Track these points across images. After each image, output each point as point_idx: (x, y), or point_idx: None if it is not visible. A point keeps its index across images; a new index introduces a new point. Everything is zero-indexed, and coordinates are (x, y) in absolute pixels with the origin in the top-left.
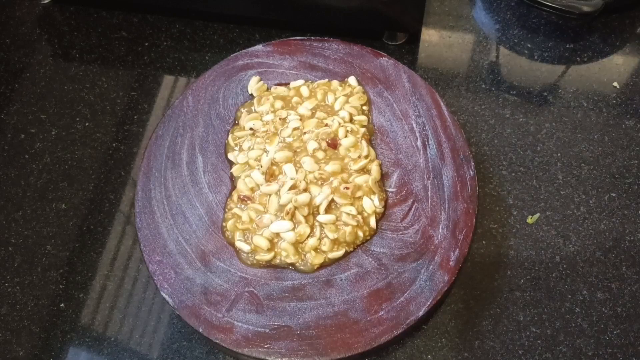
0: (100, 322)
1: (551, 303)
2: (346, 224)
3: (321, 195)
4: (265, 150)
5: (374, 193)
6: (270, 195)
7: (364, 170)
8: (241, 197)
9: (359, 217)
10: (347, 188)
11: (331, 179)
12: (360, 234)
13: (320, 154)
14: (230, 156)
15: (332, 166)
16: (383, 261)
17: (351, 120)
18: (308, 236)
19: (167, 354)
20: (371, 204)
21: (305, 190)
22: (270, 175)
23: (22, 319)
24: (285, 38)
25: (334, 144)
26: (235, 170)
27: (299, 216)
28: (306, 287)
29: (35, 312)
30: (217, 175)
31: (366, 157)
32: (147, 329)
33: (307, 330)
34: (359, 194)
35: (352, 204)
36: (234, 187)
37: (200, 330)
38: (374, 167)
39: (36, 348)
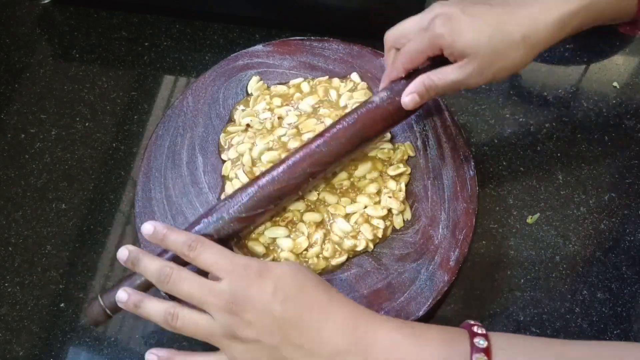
0: None
1: (551, 303)
2: (362, 236)
3: (354, 207)
4: (254, 144)
5: (403, 204)
6: None
7: (401, 175)
8: None
9: (380, 230)
10: (391, 197)
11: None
12: (371, 245)
13: None
14: (223, 156)
15: (363, 169)
16: (383, 261)
17: None
18: (308, 247)
19: None
20: (401, 219)
21: (315, 207)
22: (253, 175)
23: (22, 319)
24: (285, 38)
25: None
26: (224, 169)
27: (303, 227)
28: None
29: (35, 312)
30: (217, 175)
31: (405, 161)
32: (147, 329)
33: None
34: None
35: (383, 218)
36: (223, 189)
37: None
38: (405, 177)
39: (36, 348)
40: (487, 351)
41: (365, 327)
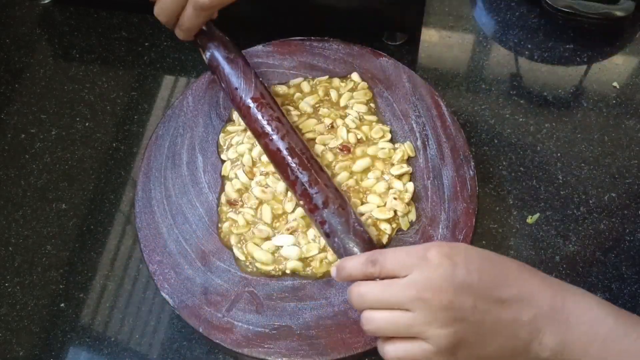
0: (100, 322)
1: None
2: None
3: (366, 207)
4: (253, 144)
5: (408, 205)
6: (262, 202)
7: (403, 175)
8: (230, 201)
9: (386, 236)
10: (396, 198)
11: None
12: None
13: (329, 156)
14: (223, 156)
15: (363, 162)
16: None
17: (360, 120)
18: (318, 253)
19: (167, 354)
20: (407, 221)
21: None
22: (252, 175)
23: (22, 319)
24: (285, 38)
25: (347, 148)
26: (223, 169)
27: (311, 232)
28: (306, 287)
29: (35, 312)
30: (217, 175)
31: (407, 160)
32: (147, 329)
33: (307, 330)
34: (399, 207)
35: (389, 221)
36: (222, 189)
37: (200, 330)
38: (406, 177)
39: (36, 348)
40: None
41: (562, 294)
